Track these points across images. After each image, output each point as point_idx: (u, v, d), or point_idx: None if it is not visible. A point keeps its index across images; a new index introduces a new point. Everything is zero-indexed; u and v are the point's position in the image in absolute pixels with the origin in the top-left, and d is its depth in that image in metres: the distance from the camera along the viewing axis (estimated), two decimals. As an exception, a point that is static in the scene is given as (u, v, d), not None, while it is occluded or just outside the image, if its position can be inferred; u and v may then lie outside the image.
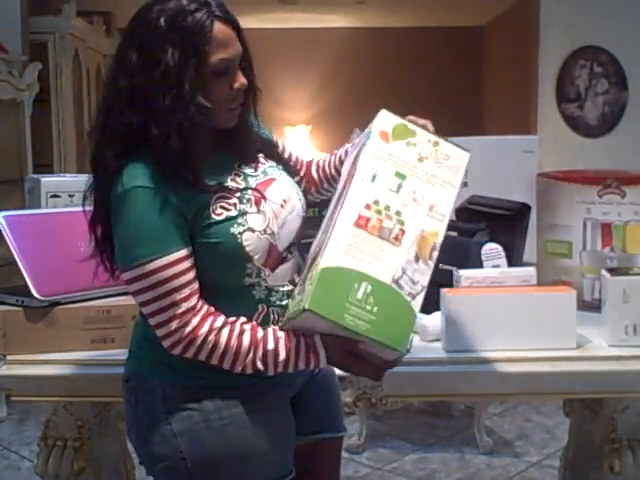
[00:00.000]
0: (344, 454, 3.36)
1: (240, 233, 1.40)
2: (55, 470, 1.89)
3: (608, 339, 1.74)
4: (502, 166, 2.15)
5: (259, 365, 1.39)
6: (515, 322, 1.70)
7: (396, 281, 1.36)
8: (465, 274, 1.79)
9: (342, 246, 1.34)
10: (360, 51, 7.44)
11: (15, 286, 1.76)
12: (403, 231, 1.39)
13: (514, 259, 2.00)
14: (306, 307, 1.30)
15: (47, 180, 2.10)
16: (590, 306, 1.95)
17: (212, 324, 1.38)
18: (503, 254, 1.91)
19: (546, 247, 2.07)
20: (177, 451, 1.45)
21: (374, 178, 1.40)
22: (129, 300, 1.77)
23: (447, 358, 1.68)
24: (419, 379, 1.66)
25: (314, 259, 1.40)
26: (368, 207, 1.37)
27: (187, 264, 1.38)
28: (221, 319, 1.40)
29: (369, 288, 1.34)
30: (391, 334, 1.34)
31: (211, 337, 1.38)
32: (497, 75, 7.10)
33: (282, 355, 1.38)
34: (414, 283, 1.39)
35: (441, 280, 1.82)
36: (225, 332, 1.39)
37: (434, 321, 1.77)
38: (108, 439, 2.09)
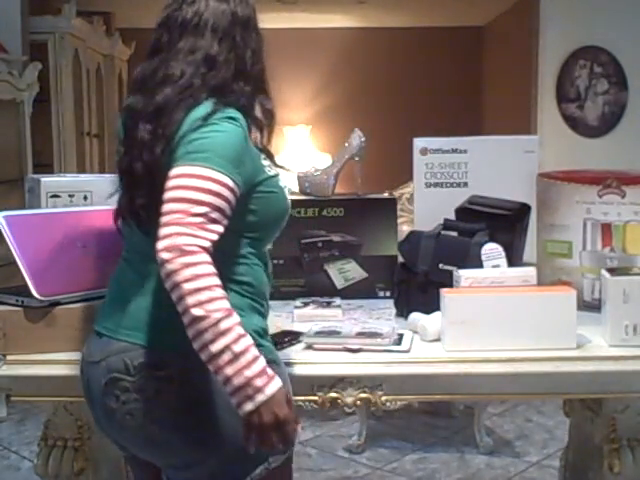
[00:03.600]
0: (344, 454, 3.39)
1: (285, 187, 1.58)
2: (55, 470, 1.89)
3: (608, 339, 1.74)
4: (502, 166, 2.15)
5: (216, 314, 1.28)
6: (515, 322, 1.70)
7: None
8: (465, 274, 1.79)
9: None
10: (360, 51, 7.43)
11: (15, 286, 1.76)
12: None
13: (514, 259, 2.00)
14: None
15: (47, 180, 2.10)
16: (590, 306, 1.95)
17: (209, 260, 1.30)
18: (503, 254, 1.91)
19: (546, 247, 2.07)
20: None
21: None
22: (129, 300, 1.77)
23: (447, 358, 1.68)
24: (419, 379, 1.66)
25: None
26: None
27: (234, 205, 1.40)
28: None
29: None
30: None
31: (204, 264, 1.29)
32: (497, 75, 7.10)
33: (241, 346, 1.29)
34: None
35: (441, 280, 1.82)
36: (214, 277, 1.30)
37: (434, 321, 1.77)
38: (108, 439, 2.08)
